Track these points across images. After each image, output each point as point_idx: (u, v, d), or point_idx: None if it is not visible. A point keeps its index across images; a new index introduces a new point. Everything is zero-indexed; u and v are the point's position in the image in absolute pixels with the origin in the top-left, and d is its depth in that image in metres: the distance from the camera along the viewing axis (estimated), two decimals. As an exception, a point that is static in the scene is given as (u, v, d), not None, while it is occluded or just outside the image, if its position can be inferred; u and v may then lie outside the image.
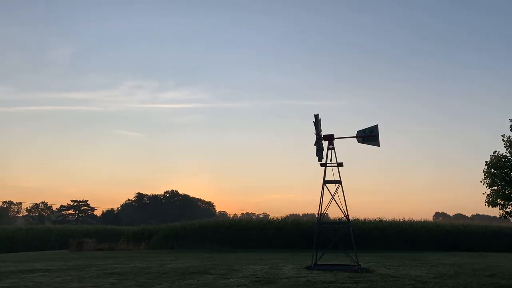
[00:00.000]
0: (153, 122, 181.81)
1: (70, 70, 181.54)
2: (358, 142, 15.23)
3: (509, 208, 20.24)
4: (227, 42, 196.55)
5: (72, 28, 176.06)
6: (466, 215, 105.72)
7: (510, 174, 19.99)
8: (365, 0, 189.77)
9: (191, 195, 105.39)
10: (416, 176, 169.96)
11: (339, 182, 14.69)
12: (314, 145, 15.44)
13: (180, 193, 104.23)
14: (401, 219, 34.90)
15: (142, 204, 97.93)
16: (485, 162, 20.95)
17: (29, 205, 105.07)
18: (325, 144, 15.38)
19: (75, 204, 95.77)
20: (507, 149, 20.39)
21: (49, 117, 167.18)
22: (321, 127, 15.50)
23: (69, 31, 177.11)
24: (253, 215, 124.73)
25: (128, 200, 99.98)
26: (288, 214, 59.02)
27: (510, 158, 20.22)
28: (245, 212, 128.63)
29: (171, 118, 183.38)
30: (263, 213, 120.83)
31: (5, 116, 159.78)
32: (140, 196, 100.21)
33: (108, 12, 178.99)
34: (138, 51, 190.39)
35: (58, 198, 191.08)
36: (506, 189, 19.96)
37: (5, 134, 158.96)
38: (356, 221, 32.85)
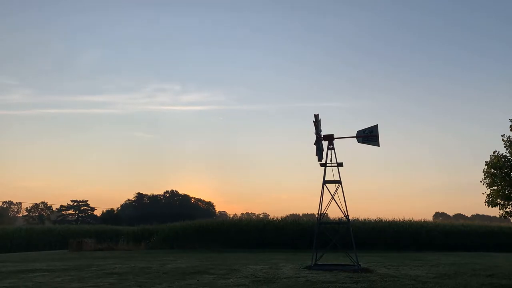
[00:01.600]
0: (165, 124, 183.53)
1: (97, 73, 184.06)
2: (358, 142, 15.25)
3: (509, 208, 20.25)
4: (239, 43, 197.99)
5: (100, 31, 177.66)
6: (466, 215, 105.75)
7: (510, 174, 20.01)
8: (365, 2, 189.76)
9: (191, 195, 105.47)
10: (416, 176, 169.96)
11: (339, 182, 14.71)
12: (314, 144, 15.46)
13: (180, 193, 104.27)
14: (401, 219, 34.90)
15: (142, 204, 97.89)
16: (485, 162, 20.97)
17: (29, 205, 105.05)
18: (325, 144, 15.40)
19: (75, 204, 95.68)
20: (507, 149, 20.41)
21: (61, 120, 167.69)
22: (321, 128, 15.54)
23: (97, 34, 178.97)
24: (253, 215, 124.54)
25: (128, 200, 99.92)
26: (288, 214, 58.99)
27: (510, 158, 20.23)
28: (245, 212, 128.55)
29: (181, 120, 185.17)
30: (263, 213, 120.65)
31: (18, 119, 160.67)
32: (140, 196, 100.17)
33: (137, 15, 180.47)
34: (164, 54, 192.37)
35: (58, 198, 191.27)
36: (506, 189, 19.97)
37: (15, 135, 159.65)
38: (356, 221, 32.84)
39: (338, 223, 23.18)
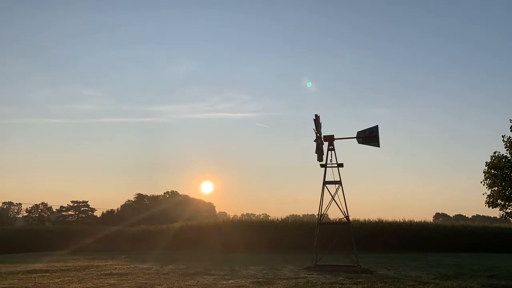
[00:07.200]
0: (188, 130, 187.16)
1: (177, 84, 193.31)
2: (358, 143, 15.21)
3: (510, 209, 20.23)
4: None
5: (189, 45, 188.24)
6: (466, 216, 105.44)
7: (511, 174, 19.99)
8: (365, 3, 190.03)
9: (191, 196, 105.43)
10: (416, 177, 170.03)
11: (339, 182, 14.68)
12: (314, 141, 15.45)
13: (180, 193, 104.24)
14: (401, 220, 34.78)
15: (142, 205, 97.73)
16: (486, 162, 20.95)
17: (29, 206, 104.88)
18: (325, 145, 15.38)
19: (75, 205, 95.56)
20: (507, 150, 20.40)
21: (97, 128, 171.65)
22: (321, 130, 15.53)
23: (186, 49, 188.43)
24: (253, 216, 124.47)
25: (128, 200, 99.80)
26: (288, 215, 58.87)
27: (510, 159, 20.21)
28: (245, 213, 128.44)
29: (202, 126, 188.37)
30: (263, 214, 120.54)
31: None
32: (140, 196, 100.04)
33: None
34: (236, 66, 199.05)
35: (58, 199, 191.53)
36: (507, 189, 19.95)
37: (18, 138, 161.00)
38: (356, 222, 32.75)
39: (338, 223, 23.16)
